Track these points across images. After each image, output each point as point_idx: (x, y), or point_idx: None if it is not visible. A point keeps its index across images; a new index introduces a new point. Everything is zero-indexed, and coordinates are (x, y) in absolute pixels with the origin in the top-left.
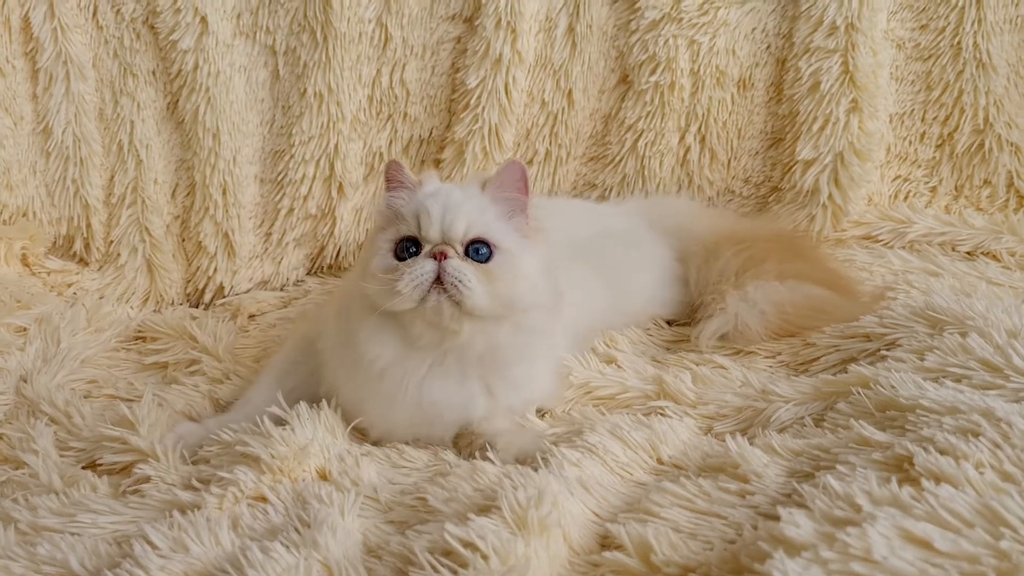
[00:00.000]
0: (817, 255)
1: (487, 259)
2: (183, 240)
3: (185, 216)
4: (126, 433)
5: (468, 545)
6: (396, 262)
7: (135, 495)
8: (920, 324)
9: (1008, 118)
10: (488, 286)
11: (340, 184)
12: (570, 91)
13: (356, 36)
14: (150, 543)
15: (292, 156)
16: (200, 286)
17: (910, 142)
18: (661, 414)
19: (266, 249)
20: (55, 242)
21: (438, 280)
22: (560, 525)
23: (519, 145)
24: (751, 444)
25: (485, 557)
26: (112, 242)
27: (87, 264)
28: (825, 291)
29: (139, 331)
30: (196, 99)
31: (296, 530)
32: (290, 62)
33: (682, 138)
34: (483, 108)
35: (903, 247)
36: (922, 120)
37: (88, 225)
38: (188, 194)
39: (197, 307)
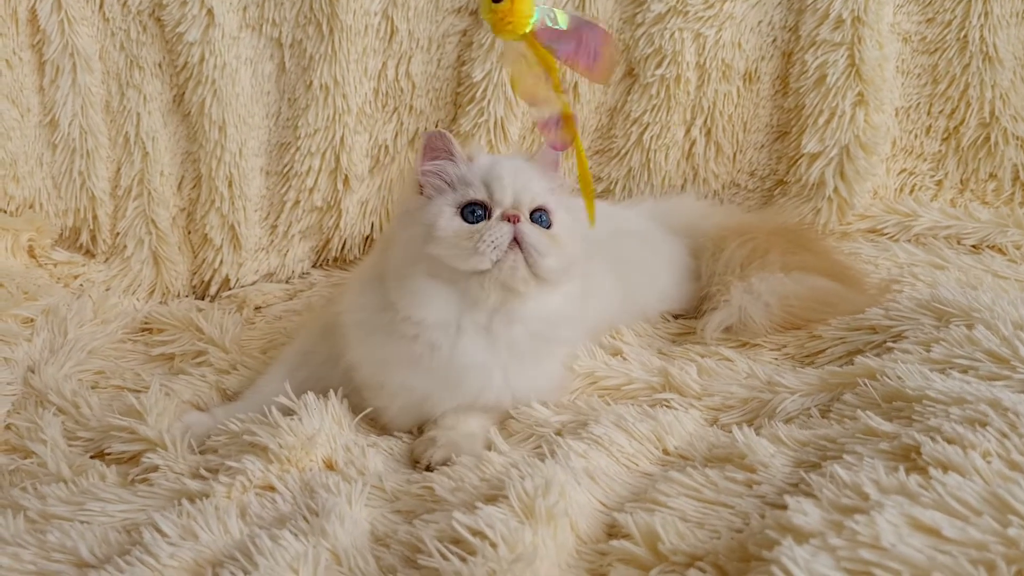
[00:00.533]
0: (822, 247)
1: (548, 226)
2: (189, 232)
3: (191, 208)
4: (134, 422)
5: (477, 533)
6: (468, 225)
7: (143, 484)
8: (926, 316)
9: (1014, 111)
10: (559, 253)
11: (346, 177)
12: (576, 84)
13: (362, 29)
14: (159, 531)
15: (298, 149)
16: (206, 278)
17: (916, 135)
18: (666, 406)
19: (272, 241)
20: (61, 234)
21: (514, 241)
22: (567, 514)
23: (524, 138)
24: (757, 435)
25: (493, 545)
26: (118, 234)
27: (93, 256)
28: (830, 283)
29: (145, 323)
30: (202, 91)
31: (304, 519)
32: (296, 55)
33: (688, 131)
34: (489, 101)
35: (908, 240)
36: (928, 113)
37: (94, 217)
38: (194, 186)
39: (203, 299)
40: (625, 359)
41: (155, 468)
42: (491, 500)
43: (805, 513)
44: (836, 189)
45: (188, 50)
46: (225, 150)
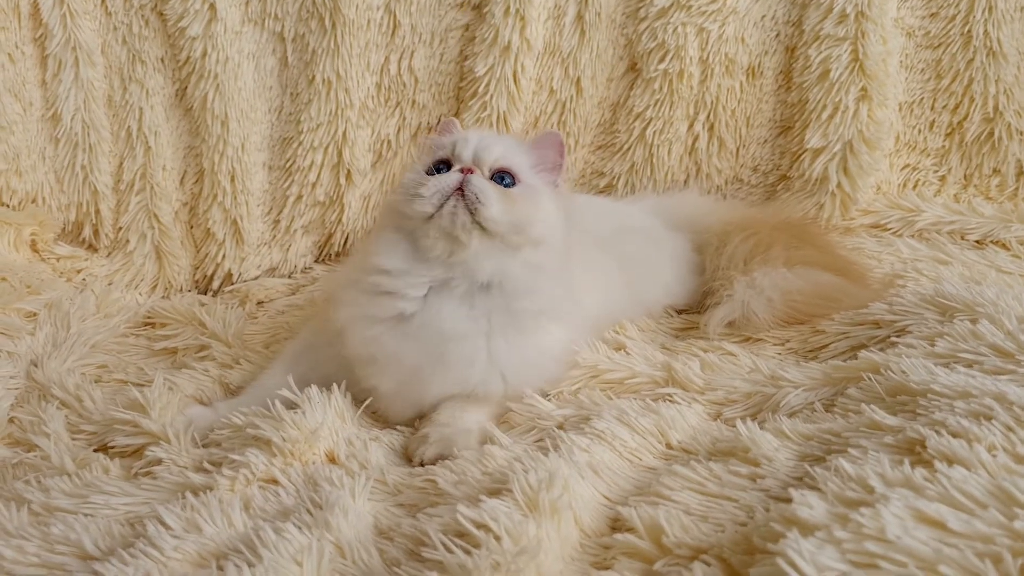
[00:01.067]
0: (826, 242)
1: (510, 187)
2: (191, 227)
3: (193, 203)
4: (137, 416)
5: (481, 526)
6: (426, 177)
7: (147, 477)
8: (930, 311)
9: (1018, 106)
10: (505, 205)
11: (348, 171)
12: (578, 79)
13: (365, 23)
14: (163, 524)
15: (300, 143)
16: (208, 273)
17: (919, 130)
18: (669, 400)
19: (274, 236)
20: (64, 228)
21: (459, 191)
22: (571, 508)
23: (527, 132)
24: (761, 429)
25: (497, 538)
26: (121, 228)
27: (96, 250)
28: (834, 278)
29: (148, 317)
30: (205, 86)
31: (308, 512)
32: (299, 49)
33: (691, 126)
34: (491, 96)
35: (912, 235)
36: (931, 108)
37: (97, 211)
38: (196, 181)
39: (205, 294)
40: (628, 353)
41: (159, 461)
42: (494, 493)
43: (810, 506)
44: (839, 184)
45: (190, 44)
46: (228, 144)
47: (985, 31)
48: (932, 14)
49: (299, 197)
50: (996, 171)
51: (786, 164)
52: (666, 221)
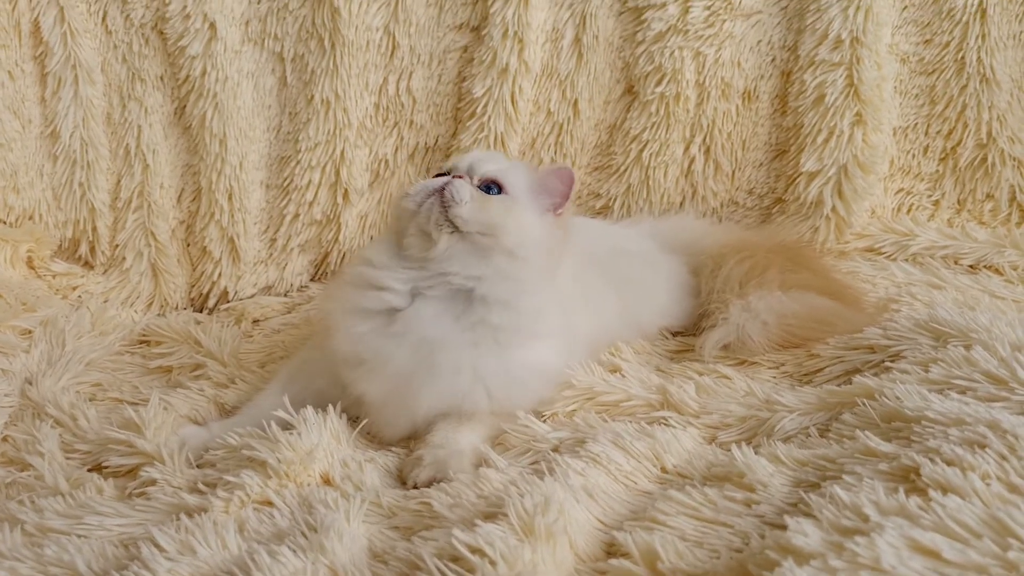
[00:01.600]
0: (821, 265)
1: (494, 195)
2: (188, 245)
3: (191, 221)
4: (132, 436)
5: (476, 551)
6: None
7: (141, 498)
8: (924, 336)
9: (1011, 133)
10: (480, 208)
11: (345, 190)
12: (576, 101)
13: (364, 44)
14: (157, 546)
15: (298, 162)
16: (204, 291)
17: (913, 155)
18: (664, 424)
19: (271, 255)
20: (61, 245)
21: (441, 192)
22: (566, 532)
23: (524, 154)
24: (756, 454)
25: (493, 563)
26: (117, 246)
27: (92, 267)
28: (828, 302)
29: (143, 335)
30: (203, 105)
31: (303, 534)
32: (298, 69)
33: (687, 149)
34: (489, 117)
35: (906, 260)
36: (925, 134)
37: (94, 229)
38: (194, 199)
39: (201, 312)
40: (623, 375)
41: (153, 482)
42: (490, 517)
43: (805, 534)
44: (834, 208)
45: (190, 63)
46: (226, 163)
47: (979, 58)
48: (926, 41)
49: (296, 216)
50: (989, 196)
51: (781, 187)
52: (662, 244)
